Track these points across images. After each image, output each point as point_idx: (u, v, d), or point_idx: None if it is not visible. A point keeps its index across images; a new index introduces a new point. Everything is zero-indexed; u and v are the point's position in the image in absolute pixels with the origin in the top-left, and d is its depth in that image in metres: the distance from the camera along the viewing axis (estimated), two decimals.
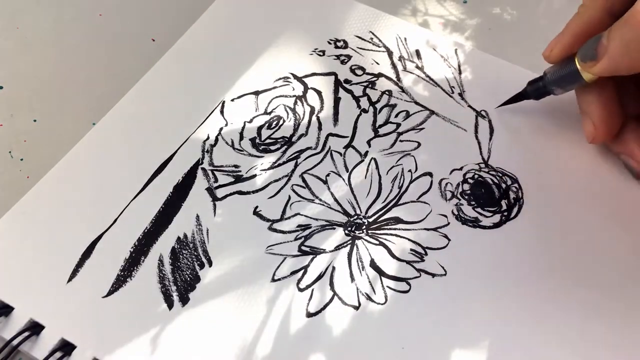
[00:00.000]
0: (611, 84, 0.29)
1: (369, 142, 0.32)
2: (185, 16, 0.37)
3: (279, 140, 0.32)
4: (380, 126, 0.32)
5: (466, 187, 0.30)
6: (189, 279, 0.27)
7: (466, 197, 0.30)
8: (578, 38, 0.28)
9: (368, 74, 0.34)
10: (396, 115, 0.33)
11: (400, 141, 0.32)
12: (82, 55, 0.36)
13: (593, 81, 0.28)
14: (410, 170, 0.31)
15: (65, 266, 0.27)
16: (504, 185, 0.30)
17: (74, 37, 0.38)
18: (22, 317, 0.26)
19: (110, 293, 0.27)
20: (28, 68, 0.37)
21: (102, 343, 0.25)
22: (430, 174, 0.30)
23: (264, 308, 0.26)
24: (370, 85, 0.34)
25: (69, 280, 0.27)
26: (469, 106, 0.33)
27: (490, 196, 0.30)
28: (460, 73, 0.34)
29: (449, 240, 0.28)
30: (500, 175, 0.31)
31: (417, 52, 0.35)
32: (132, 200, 0.29)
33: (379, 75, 0.34)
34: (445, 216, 0.29)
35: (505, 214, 0.29)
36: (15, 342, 0.25)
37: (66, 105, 0.35)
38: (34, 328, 0.25)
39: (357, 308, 0.27)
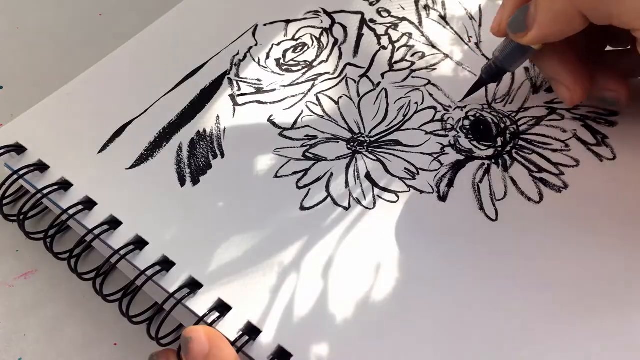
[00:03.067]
0: (564, 43, 0.28)
1: (382, 75, 0.34)
2: None
3: (300, 63, 0.35)
4: (396, 62, 0.35)
5: (466, 122, 0.32)
6: (202, 165, 0.30)
7: (465, 131, 0.32)
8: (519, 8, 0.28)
9: (393, 16, 0.37)
10: (412, 55, 0.35)
11: (412, 77, 0.34)
12: (82, 55, 0.36)
13: (542, 48, 0.28)
14: (416, 103, 0.33)
15: (99, 140, 0.31)
16: (502, 125, 0.32)
17: (74, 37, 0.38)
18: (55, 175, 0.30)
19: (133, 166, 0.30)
20: (28, 68, 0.37)
21: (121, 204, 0.29)
22: (434, 108, 0.33)
23: (264, 198, 0.29)
24: (393, 27, 0.36)
25: (100, 151, 0.31)
26: (483, 55, 0.35)
27: (488, 133, 0.32)
28: (480, 26, 0.36)
29: (442, 164, 0.31)
30: (501, 116, 0.33)
31: (443, 2, 0.37)
32: (163, 96, 0.33)
33: (403, 19, 0.37)
34: (442, 145, 0.31)
35: (499, 149, 0.31)
36: (46, 191, 0.29)
37: None
38: (63, 184, 0.29)
39: (346, 209, 0.29)
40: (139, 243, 0.28)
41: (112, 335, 0.28)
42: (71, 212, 0.28)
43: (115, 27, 0.40)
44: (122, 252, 0.27)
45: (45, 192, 0.28)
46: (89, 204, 0.29)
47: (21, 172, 0.29)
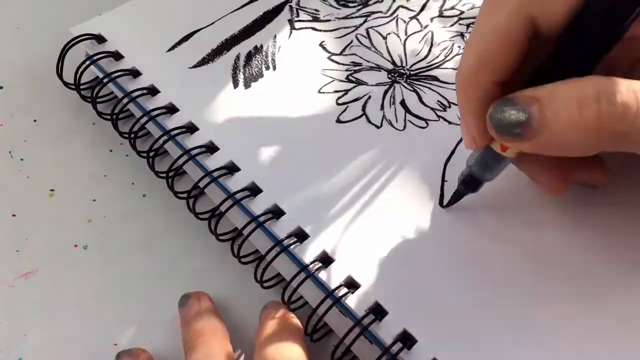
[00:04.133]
0: None
1: (431, 19, 0.37)
2: None
3: (357, 0, 0.38)
4: (446, 10, 0.37)
5: None
6: (255, 73, 0.34)
7: None
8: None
9: None
10: (463, 5, 0.37)
11: (459, 24, 0.36)
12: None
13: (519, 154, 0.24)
14: (459, 46, 0.35)
15: (169, 41, 0.35)
16: None
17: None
18: (127, 64, 0.34)
19: (195, 66, 0.34)
20: (28, 68, 0.37)
21: (180, 94, 0.32)
22: None
23: (306, 108, 0.32)
24: None
25: (169, 50, 0.34)
26: None
27: None
28: None
29: None
30: None
31: None
32: (229, 13, 0.36)
33: None
34: None
35: None
36: (116, 74, 0.33)
37: (66, 105, 0.35)
38: (134, 72, 0.33)
39: (378, 127, 0.32)
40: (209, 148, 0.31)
41: (111, 334, 0.28)
42: (135, 94, 0.32)
43: None
44: (191, 152, 0.31)
45: (114, 75, 0.33)
46: (152, 91, 0.33)
47: (96, 57, 0.33)
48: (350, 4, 0.37)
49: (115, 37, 0.35)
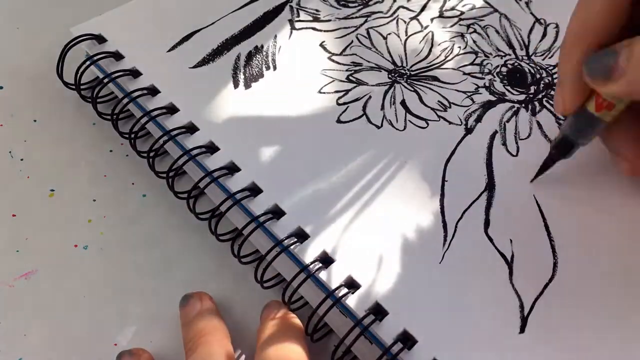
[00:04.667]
0: (634, 115, 0.26)
1: (432, 20, 0.37)
2: None
3: (357, 0, 0.38)
4: (447, 10, 0.37)
5: (504, 69, 0.34)
6: (255, 73, 0.34)
7: (501, 76, 0.34)
8: (582, 85, 0.25)
9: None
10: (463, 6, 0.37)
11: (459, 25, 0.36)
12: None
13: (615, 118, 0.26)
14: (459, 47, 0.35)
15: (169, 41, 0.35)
16: (538, 76, 0.34)
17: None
18: (127, 64, 0.34)
19: (195, 66, 0.34)
20: (28, 68, 0.37)
21: (181, 94, 0.32)
22: (475, 53, 0.35)
23: (307, 108, 0.32)
24: None
25: (169, 50, 0.34)
26: (531, 13, 0.37)
27: (523, 80, 0.34)
28: None
29: (473, 102, 0.33)
30: (539, 68, 0.34)
31: None
32: (228, 14, 0.36)
33: None
34: (477, 85, 0.33)
35: (531, 95, 0.33)
36: (116, 74, 0.33)
37: (66, 105, 0.35)
38: (134, 72, 0.33)
39: (378, 127, 0.32)
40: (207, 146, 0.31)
41: (111, 334, 0.28)
42: (135, 95, 0.32)
43: None
44: (193, 152, 0.30)
45: (114, 75, 0.32)
46: (152, 91, 0.32)
47: (96, 57, 0.33)
48: (350, 4, 0.37)
49: (115, 37, 0.34)
